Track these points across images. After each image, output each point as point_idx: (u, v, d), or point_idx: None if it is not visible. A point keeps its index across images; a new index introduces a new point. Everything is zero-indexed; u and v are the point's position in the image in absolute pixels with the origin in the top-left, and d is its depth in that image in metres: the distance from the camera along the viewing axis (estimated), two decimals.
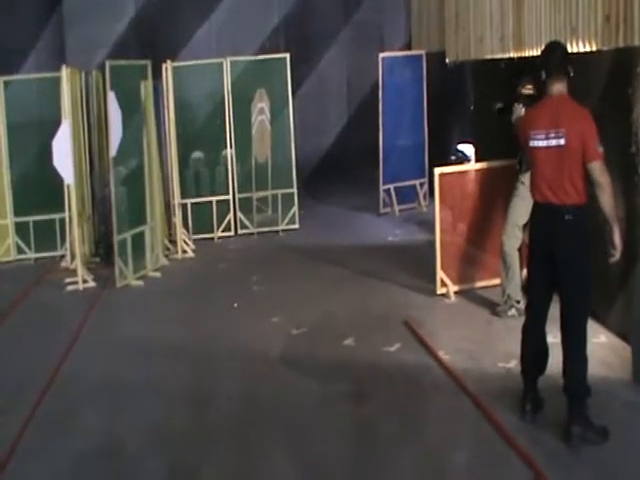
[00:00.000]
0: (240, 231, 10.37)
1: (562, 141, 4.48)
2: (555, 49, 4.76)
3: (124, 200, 8.38)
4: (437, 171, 7.14)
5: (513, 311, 6.52)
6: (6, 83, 9.45)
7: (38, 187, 9.32)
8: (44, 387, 5.64)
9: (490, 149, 8.04)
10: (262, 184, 10.40)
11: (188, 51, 12.64)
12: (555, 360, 4.70)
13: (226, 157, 10.30)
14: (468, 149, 10.65)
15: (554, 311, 4.66)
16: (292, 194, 10.46)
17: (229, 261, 9.23)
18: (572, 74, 4.61)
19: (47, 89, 9.23)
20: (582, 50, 6.22)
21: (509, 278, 6.58)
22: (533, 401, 4.78)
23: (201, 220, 10.20)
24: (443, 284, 7.19)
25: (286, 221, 10.44)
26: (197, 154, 10.26)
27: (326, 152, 14.02)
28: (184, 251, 9.52)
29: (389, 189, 11.11)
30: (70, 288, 8.19)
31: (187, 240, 9.68)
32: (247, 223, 10.40)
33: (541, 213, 4.67)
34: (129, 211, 8.46)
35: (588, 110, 4.57)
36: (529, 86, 6.30)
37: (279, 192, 10.44)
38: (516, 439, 4.52)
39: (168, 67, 9.70)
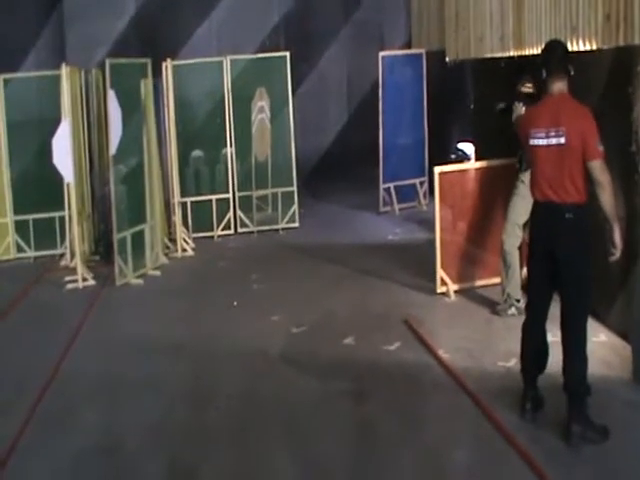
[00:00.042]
0: (240, 229, 10.36)
1: (562, 140, 4.47)
2: (555, 48, 4.76)
3: (124, 198, 8.38)
4: (437, 170, 7.13)
5: (513, 310, 6.52)
6: (6, 81, 9.43)
7: (38, 185, 9.30)
8: (44, 385, 5.64)
9: (490, 148, 8.03)
10: (262, 182, 10.39)
11: (188, 49, 12.65)
12: (555, 359, 4.70)
13: (226, 155, 10.29)
14: (468, 148, 10.63)
15: (554, 310, 4.66)
16: (292, 192, 10.45)
17: (229, 260, 9.23)
18: (572, 73, 4.60)
19: (47, 87, 9.21)
20: (582, 49, 6.22)
21: (509, 277, 6.57)
22: (533, 400, 4.77)
23: (201, 218, 10.18)
24: (443, 283, 7.19)
25: (286, 220, 10.43)
26: (197, 152, 10.25)
27: (326, 151, 14.01)
28: (184, 249, 9.51)
29: (389, 188, 11.11)
30: (70, 286, 8.18)
31: (187, 239, 9.66)
32: (247, 221, 10.38)
33: (541, 212, 4.67)
34: (129, 209, 8.45)
35: (588, 109, 4.57)
36: (529, 85, 6.29)
37: (279, 190, 10.43)
38: (516, 438, 4.51)
39: (168, 65, 9.68)
